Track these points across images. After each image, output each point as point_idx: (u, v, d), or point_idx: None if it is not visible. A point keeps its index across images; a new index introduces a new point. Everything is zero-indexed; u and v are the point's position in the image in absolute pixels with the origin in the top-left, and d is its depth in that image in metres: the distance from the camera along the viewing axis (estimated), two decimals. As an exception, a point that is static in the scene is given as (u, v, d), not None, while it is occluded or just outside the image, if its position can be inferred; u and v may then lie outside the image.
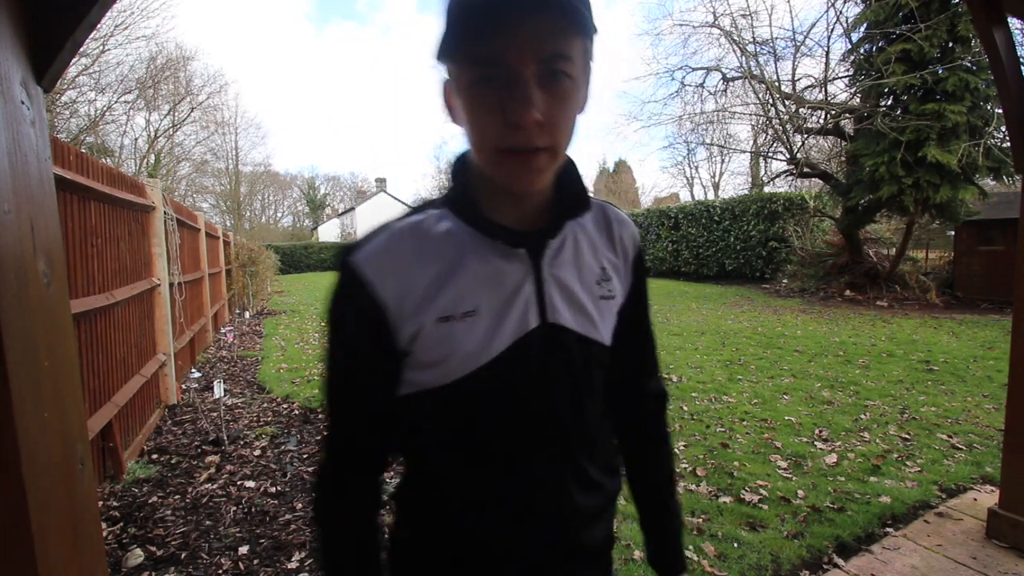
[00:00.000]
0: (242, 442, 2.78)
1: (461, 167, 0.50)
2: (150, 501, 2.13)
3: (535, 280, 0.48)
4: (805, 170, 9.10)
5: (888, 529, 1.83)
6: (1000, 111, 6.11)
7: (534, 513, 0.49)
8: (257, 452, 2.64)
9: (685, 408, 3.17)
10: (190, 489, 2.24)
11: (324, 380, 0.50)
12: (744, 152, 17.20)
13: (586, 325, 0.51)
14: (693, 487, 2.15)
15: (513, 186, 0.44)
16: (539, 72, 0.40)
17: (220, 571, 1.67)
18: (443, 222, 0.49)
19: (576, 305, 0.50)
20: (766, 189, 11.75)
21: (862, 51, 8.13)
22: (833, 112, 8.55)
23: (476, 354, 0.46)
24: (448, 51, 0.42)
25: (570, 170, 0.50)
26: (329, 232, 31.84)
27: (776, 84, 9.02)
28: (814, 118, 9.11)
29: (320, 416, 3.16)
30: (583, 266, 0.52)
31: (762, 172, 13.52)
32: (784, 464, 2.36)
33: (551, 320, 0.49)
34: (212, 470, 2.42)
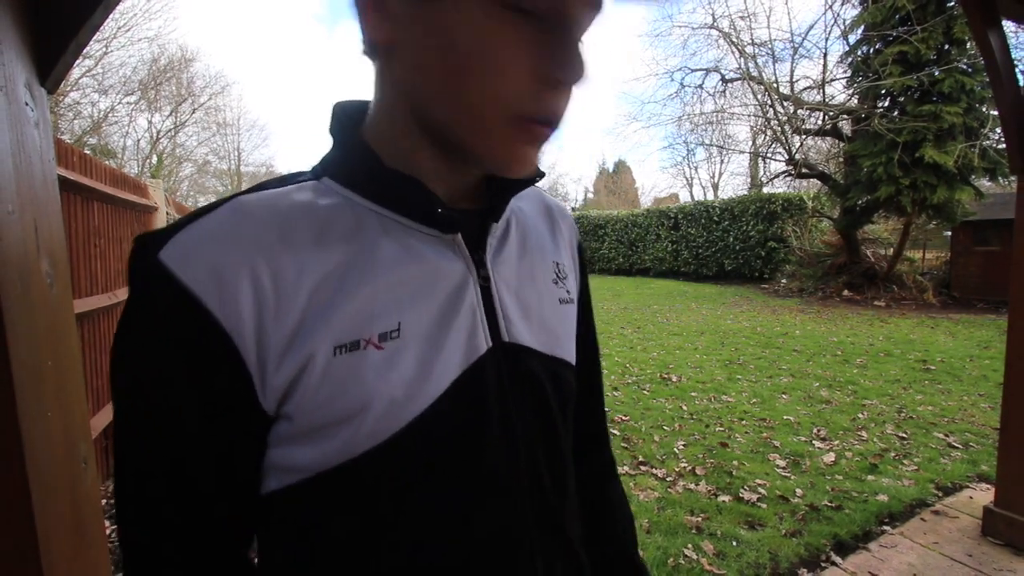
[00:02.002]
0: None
1: (349, 122, 0.34)
2: (149, 501, 2.13)
3: (477, 280, 0.33)
4: (803, 171, 9.13)
5: (885, 527, 1.84)
6: (996, 113, 6.14)
7: None
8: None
9: (684, 407, 3.18)
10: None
11: (118, 475, 0.29)
12: (743, 153, 17.27)
13: (550, 342, 0.36)
14: (692, 486, 2.16)
15: (510, 169, 0.30)
16: (587, 25, 0.29)
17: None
18: (325, 198, 0.31)
19: (535, 314, 0.36)
20: (765, 189, 11.79)
21: (860, 53, 8.17)
22: (831, 113, 8.58)
23: (404, 402, 0.29)
24: None
25: None
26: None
27: (775, 85, 9.05)
28: (812, 119, 9.15)
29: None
30: (534, 260, 0.38)
31: (761, 173, 13.57)
32: (783, 463, 2.37)
33: (508, 339, 0.34)
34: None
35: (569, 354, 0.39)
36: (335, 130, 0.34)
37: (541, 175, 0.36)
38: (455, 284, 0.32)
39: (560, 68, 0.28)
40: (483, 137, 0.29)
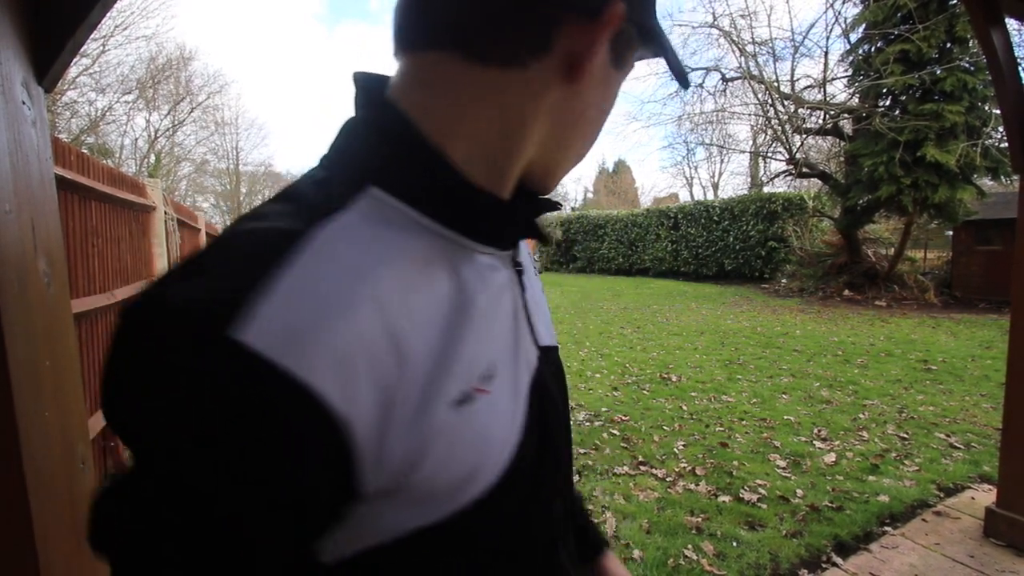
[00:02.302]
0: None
1: (407, 125, 0.27)
2: (150, 501, 2.13)
3: (520, 291, 0.33)
4: (804, 170, 9.12)
5: (886, 528, 1.83)
6: (998, 111, 6.12)
7: None
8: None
9: (684, 407, 3.18)
10: (190, 489, 2.24)
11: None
12: (743, 152, 17.24)
13: (550, 331, 0.38)
14: (692, 486, 2.15)
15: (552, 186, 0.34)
16: None
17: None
18: (393, 219, 0.26)
19: (542, 310, 0.37)
20: (765, 189, 11.78)
21: (861, 51, 8.15)
22: (832, 112, 8.57)
23: (507, 438, 0.28)
24: (652, 13, 0.31)
25: None
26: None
27: (775, 84, 9.03)
28: (813, 118, 9.14)
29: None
30: (529, 255, 0.40)
31: (761, 172, 13.56)
32: (783, 463, 2.37)
33: (541, 343, 0.34)
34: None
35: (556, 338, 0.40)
36: (393, 130, 0.27)
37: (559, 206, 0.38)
38: (511, 301, 0.31)
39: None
40: (571, 165, 0.33)
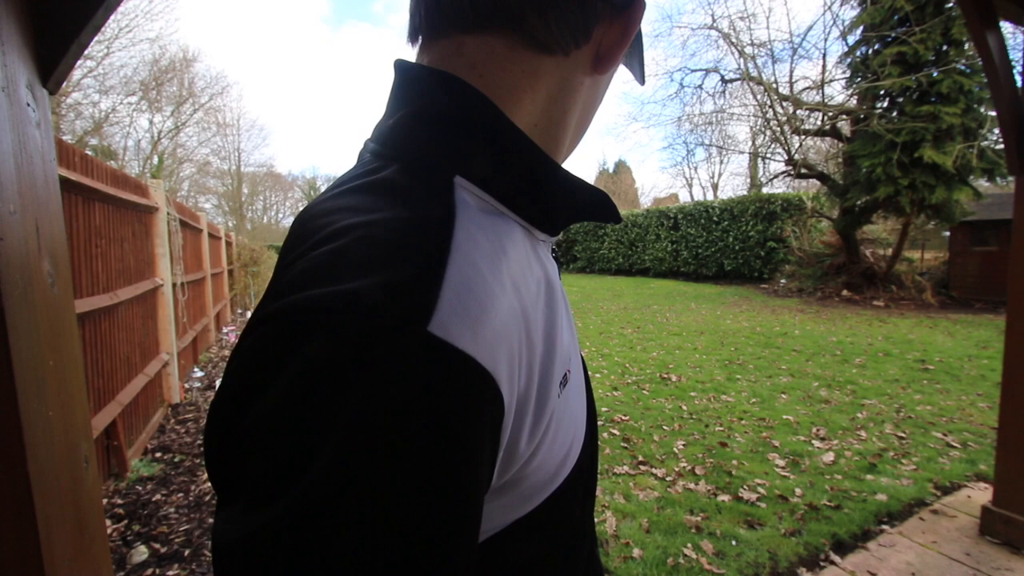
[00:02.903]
0: (241, 442, 2.78)
1: (494, 111, 0.26)
2: (154, 499, 2.13)
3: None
4: (803, 171, 9.15)
5: (884, 526, 1.84)
6: (994, 113, 6.15)
7: None
8: (256, 452, 2.64)
9: (684, 407, 3.19)
10: (193, 487, 2.24)
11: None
12: (742, 153, 17.29)
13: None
14: (692, 486, 2.16)
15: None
16: None
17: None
18: (490, 211, 0.26)
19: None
20: (764, 190, 11.81)
21: (858, 53, 8.18)
22: (830, 114, 8.60)
23: (582, 421, 0.29)
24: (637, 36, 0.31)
25: None
26: (328, 232, 31.50)
27: (774, 86, 9.07)
28: (811, 119, 9.17)
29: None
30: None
31: (760, 173, 13.59)
32: (782, 462, 2.38)
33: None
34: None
35: None
36: (478, 116, 0.26)
37: None
38: (561, 287, 0.32)
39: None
40: (569, 147, 0.32)
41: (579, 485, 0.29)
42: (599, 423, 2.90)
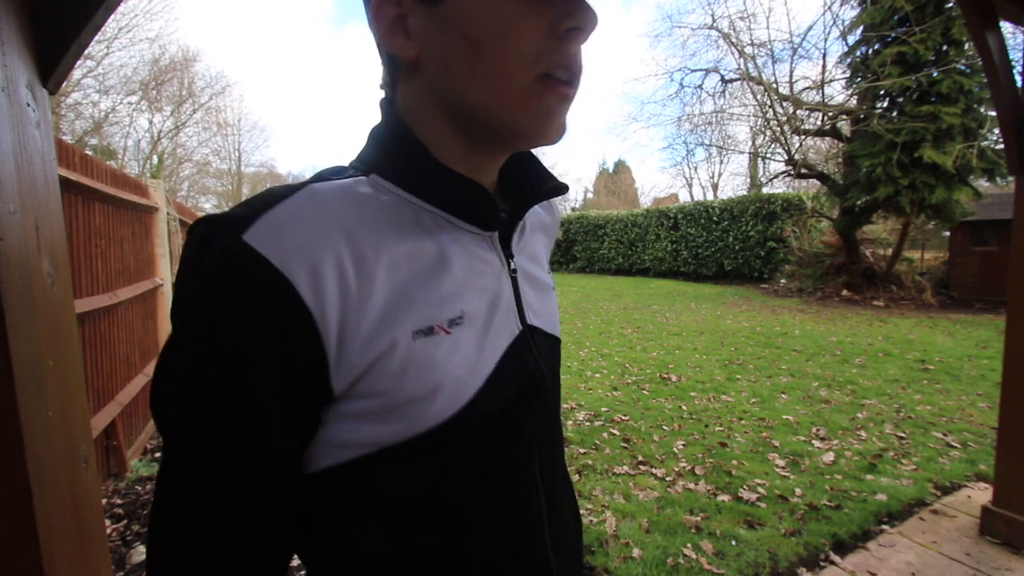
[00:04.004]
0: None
1: (397, 123, 0.34)
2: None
3: (509, 272, 0.38)
4: (803, 171, 9.14)
5: (884, 526, 1.84)
6: (994, 113, 6.15)
7: None
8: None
9: (684, 407, 3.19)
10: (189, 489, 2.24)
11: (175, 456, 0.28)
12: (742, 153, 17.30)
13: (550, 322, 0.42)
14: (692, 485, 2.16)
15: (547, 131, 0.33)
16: None
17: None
18: (382, 193, 0.33)
19: (542, 300, 0.41)
20: (764, 190, 11.80)
21: (858, 53, 8.18)
22: (830, 114, 8.60)
23: (466, 379, 0.32)
24: None
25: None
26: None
27: (774, 86, 9.07)
28: (811, 119, 9.17)
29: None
30: (537, 253, 0.44)
31: (760, 173, 13.59)
32: (782, 462, 2.38)
33: (529, 322, 0.39)
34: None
35: (559, 332, 0.45)
36: (387, 131, 0.35)
37: (566, 188, 0.40)
38: (495, 275, 0.37)
39: (571, 17, 0.30)
40: (515, 105, 0.31)
41: (485, 431, 0.34)
42: (599, 423, 2.92)
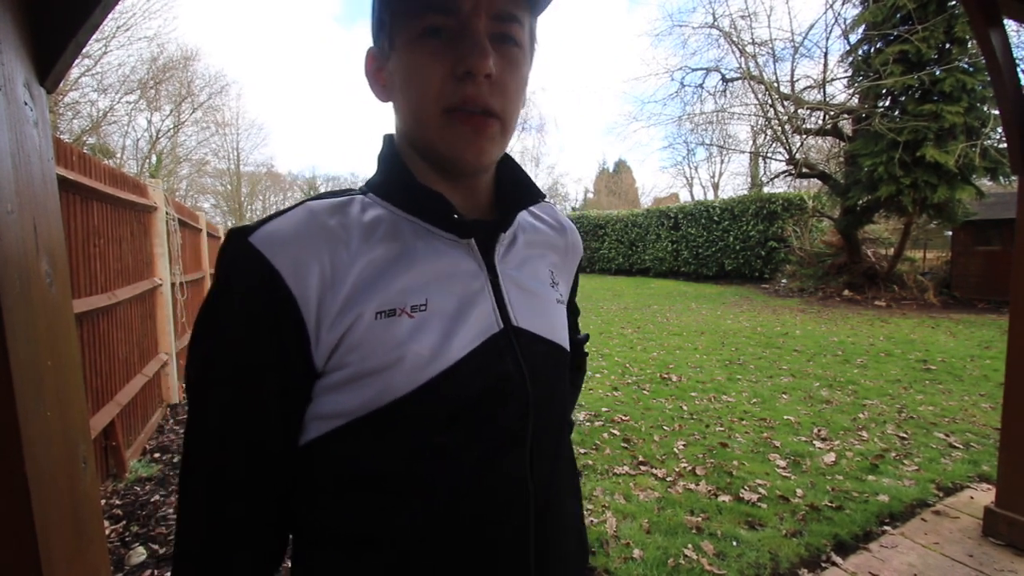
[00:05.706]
0: (242, 442, 2.77)
1: (390, 150, 0.43)
2: (152, 500, 2.13)
3: (488, 277, 0.42)
4: (804, 170, 9.12)
5: (886, 527, 1.84)
6: (996, 112, 6.13)
7: None
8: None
9: (684, 407, 3.18)
10: (190, 489, 2.24)
11: (192, 425, 0.37)
12: (743, 152, 17.26)
13: (548, 329, 0.45)
14: (692, 486, 2.15)
15: (464, 155, 0.38)
16: (490, 29, 0.37)
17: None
18: (371, 210, 0.41)
19: (537, 307, 0.44)
20: (765, 189, 11.78)
21: (860, 52, 8.16)
22: (832, 113, 8.57)
23: (429, 359, 0.37)
24: (390, 3, 0.38)
25: (510, 162, 0.46)
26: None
27: (775, 85, 9.04)
28: (813, 119, 9.14)
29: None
30: (536, 267, 0.47)
31: (761, 172, 13.54)
32: (783, 463, 2.37)
33: (515, 324, 0.42)
34: (212, 470, 2.42)
35: (563, 341, 0.47)
36: (383, 158, 0.44)
37: (543, 197, 0.47)
38: (470, 278, 0.41)
39: (465, 60, 0.36)
40: (436, 135, 0.39)
41: (453, 415, 0.38)
42: (599, 423, 2.92)
